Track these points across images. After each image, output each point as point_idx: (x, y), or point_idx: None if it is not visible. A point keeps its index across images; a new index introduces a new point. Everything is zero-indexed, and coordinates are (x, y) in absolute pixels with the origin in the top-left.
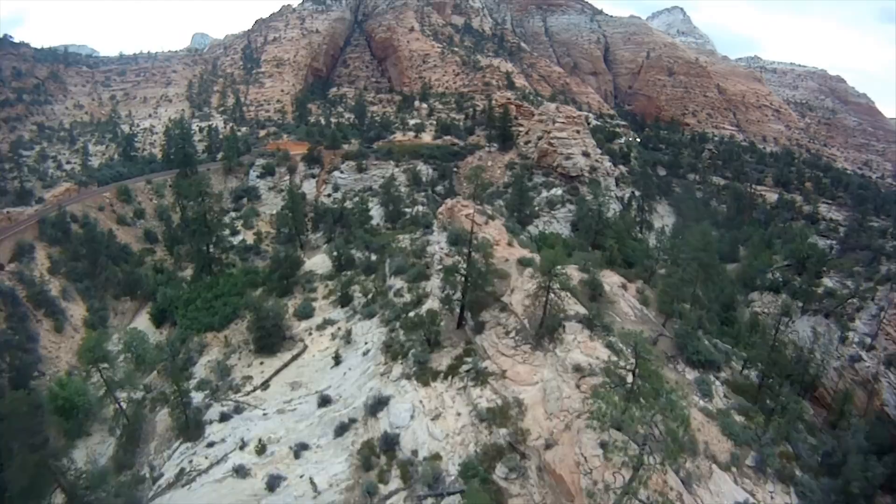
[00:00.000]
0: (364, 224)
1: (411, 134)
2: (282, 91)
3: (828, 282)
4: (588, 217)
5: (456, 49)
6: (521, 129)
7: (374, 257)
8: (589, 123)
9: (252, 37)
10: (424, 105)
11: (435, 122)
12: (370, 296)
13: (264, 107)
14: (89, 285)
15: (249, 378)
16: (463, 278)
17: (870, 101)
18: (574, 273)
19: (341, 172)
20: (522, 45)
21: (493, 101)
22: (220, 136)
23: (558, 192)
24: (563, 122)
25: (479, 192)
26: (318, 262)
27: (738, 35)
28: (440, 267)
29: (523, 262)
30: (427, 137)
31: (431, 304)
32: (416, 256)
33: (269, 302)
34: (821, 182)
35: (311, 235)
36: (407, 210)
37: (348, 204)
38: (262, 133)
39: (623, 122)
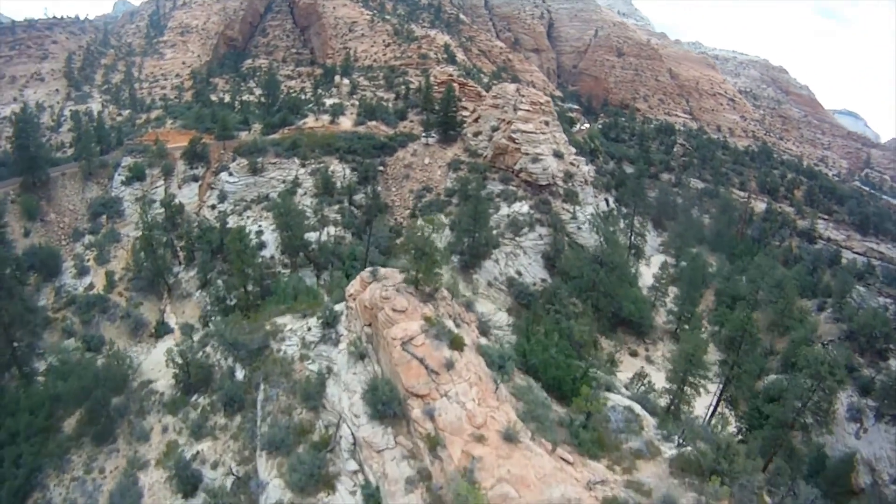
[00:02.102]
0: (248, 261)
1: (326, 118)
2: (183, 64)
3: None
4: (581, 263)
5: (388, 17)
6: (465, 113)
7: (241, 371)
8: None
9: (161, 1)
10: (346, 81)
11: (357, 103)
12: (230, 487)
13: (160, 83)
14: None
15: None
16: None
17: (811, 92)
18: None
19: (230, 174)
20: (461, 16)
21: (432, 78)
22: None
23: (524, 207)
24: (527, 111)
25: (429, 273)
26: (163, 362)
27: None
28: (354, 469)
29: None
30: (346, 123)
31: None
32: (307, 404)
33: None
34: (814, 192)
35: (182, 274)
36: (311, 236)
37: (236, 221)
38: (142, 119)
39: (575, 106)
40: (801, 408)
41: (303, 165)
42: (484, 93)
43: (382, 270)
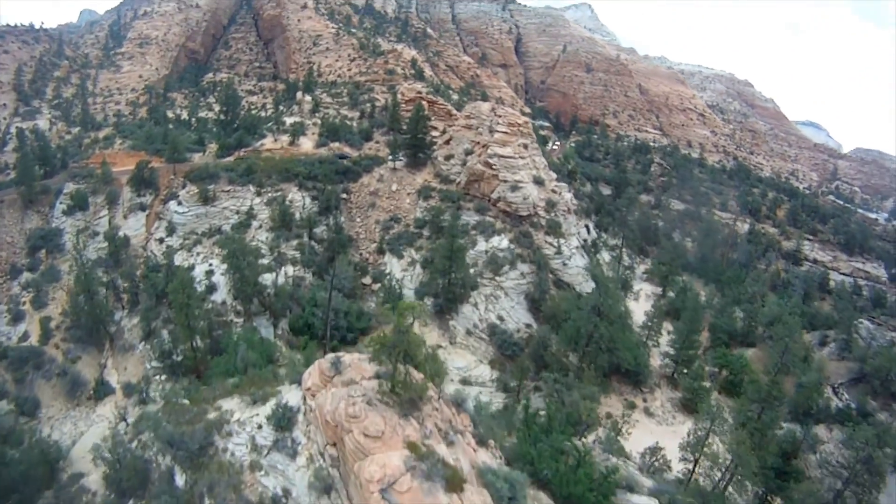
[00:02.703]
0: (194, 315)
1: (286, 139)
2: (140, 77)
3: None
4: (576, 313)
5: (354, 30)
6: (435, 134)
7: (181, 476)
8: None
9: (123, 10)
10: (308, 98)
11: (320, 122)
12: None
13: (115, 98)
14: None
15: None
16: None
17: (776, 105)
18: None
19: (179, 204)
20: (429, 30)
21: (399, 95)
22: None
23: (503, 242)
24: (504, 133)
25: (410, 385)
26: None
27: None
28: None
29: None
30: (308, 144)
31: None
32: None
33: None
34: (797, 212)
35: (125, 320)
36: (267, 278)
37: (185, 258)
38: (90, 138)
39: (546, 124)
40: (843, 488)
41: (258, 194)
42: (455, 111)
43: (347, 360)
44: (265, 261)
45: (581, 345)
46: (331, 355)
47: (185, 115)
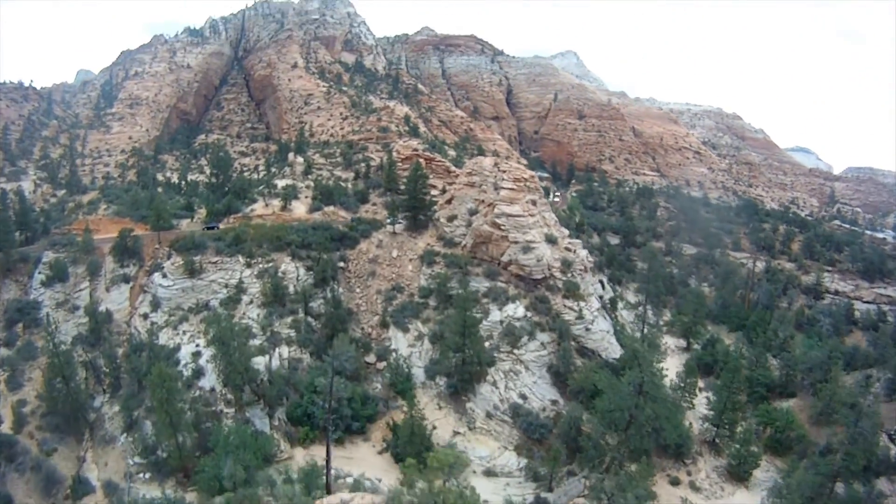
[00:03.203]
0: (175, 411)
1: (277, 204)
2: (130, 138)
3: None
4: (618, 397)
5: (345, 88)
6: (434, 192)
7: None
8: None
9: (115, 70)
10: (300, 159)
11: (313, 184)
12: None
13: (104, 159)
14: None
15: None
16: None
17: (766, 135)
18: None
19: (164, 276)
20: (420, 86)
21: (395, 153)
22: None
23: (518, 310)
24: (510, 189)
25: None
26: None
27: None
28: None
29: None
30: (301, 209)
31: None
32: None
33: None
34: (812, 244)
35: (106, 407)
36: (260, 361)
37: (170, 337)
38: (73, 203)
39: (545, 175)
40: None
41: (248, 265)
42: (454, 168)
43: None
44: (257, 341)
45: (621, 427)
46: (335, 499)
47: (175, 178)
